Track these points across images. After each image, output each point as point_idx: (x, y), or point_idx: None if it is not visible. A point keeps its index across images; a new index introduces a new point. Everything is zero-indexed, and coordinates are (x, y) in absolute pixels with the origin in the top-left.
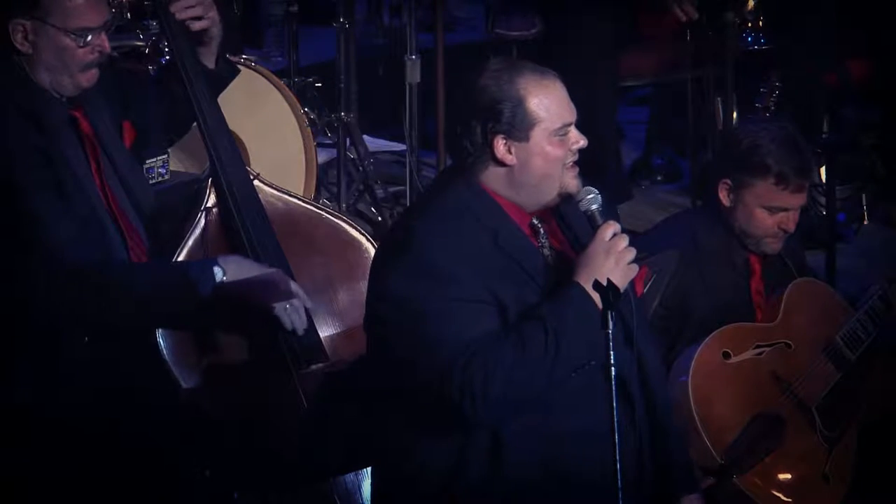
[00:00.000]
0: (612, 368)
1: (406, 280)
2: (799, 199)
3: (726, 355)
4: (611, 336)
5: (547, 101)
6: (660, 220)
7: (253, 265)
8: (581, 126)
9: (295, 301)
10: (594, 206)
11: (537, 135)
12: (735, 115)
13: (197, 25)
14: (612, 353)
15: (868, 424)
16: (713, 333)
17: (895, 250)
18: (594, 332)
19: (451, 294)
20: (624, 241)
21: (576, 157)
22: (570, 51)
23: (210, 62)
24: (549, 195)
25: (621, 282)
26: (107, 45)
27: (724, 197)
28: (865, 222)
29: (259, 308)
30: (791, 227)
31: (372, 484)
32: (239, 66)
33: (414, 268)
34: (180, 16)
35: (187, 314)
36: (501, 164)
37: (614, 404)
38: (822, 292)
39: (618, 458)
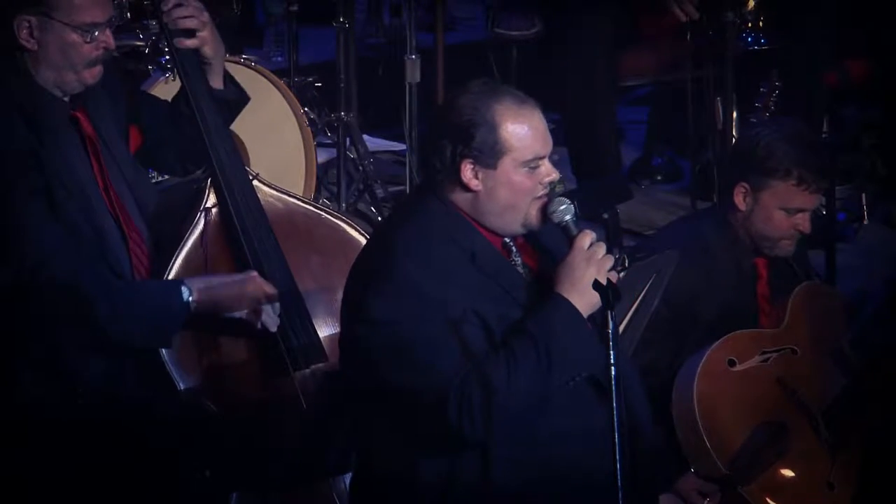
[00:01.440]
0: (612, 368)
1: (391, 303)
2: (816, 200)
3: (732, 363)
4: (611, 335)
5: (521, 131)
6: (660, 220)
7: (220, 277)
8: (581, 126)
9: (265, 305)
10: (568, 217)
11: (506, 164)
12: (735, 115)
13: (185, 43)
14: (612, 352)
15: (875, 430)
16: (719, 341)
17: (895, 250)
18: (582, 341)
19: (437, 316)
20: (602, 248)
21: (546, 191)
22: (570, 51)
23: (215, 82)
24: (512, 226)
25: None
26: (111, 41)
27: (740, 201)
28: (865, 222)
29: (230, 317)
30: (807, 228)
31: (354, 490)
32: (241, 66)
33: (398, 291)
34: (171, 25)
35: (161, 333)
36: (467, 188)
37: (614, 404)
38: (827, 296)
39: (618, 457)
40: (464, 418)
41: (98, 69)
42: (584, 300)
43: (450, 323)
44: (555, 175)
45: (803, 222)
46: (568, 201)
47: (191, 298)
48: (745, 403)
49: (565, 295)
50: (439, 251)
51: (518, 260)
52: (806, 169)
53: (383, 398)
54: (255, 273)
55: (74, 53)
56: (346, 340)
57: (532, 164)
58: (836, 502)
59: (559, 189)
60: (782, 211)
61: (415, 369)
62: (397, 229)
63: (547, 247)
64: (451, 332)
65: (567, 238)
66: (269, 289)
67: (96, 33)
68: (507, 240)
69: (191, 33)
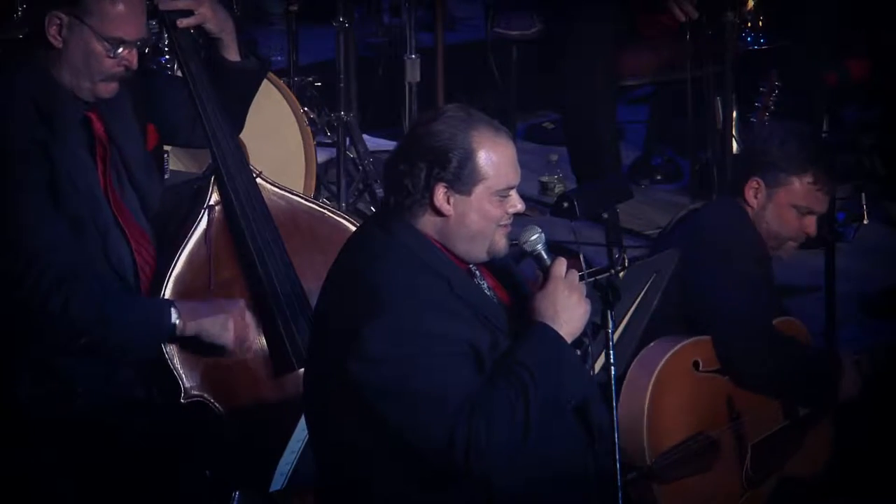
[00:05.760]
0: (612, 368)
1: (390, 340)
2: (826, 203)
3: (696, 365)
4: (610, 335)
5: (496, 160)
6: (660, 219)
7: (208, 305)
8: (581, 126)
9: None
10: (540, 246)
11: (479, 191)
12: (735, 114)
13: (185, 22)
14: (611, 352)
15: (791, 480)
16: (694, 338)
17: (895, 250)
18: (574, 369)
19: (438, 350)
20: (576, 275)
21: (511, 220)
22: (570, 51)
23: (231, 55)
24: (478, 253)
25: (585, 314)
26: (135, 61)
27: (751, 196)
28: (865, 222)
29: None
30: (813, 231)
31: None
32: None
33: (395, 327)
34: (164, 7)
35: (141, 348)
36: (438, 212)
37: (615, 403)
38: (802, 333)
39: (618, 457)
40: (471, 457)
41: (114, 86)
42: (569, 328)
43: (450, 356)
44: (520, 206)
45: (810, 225)
46: (539, 230)
47: (178, 322)
48: (692, 408)
49: (550, 325)
50: (424, 283)
51: (484, 284)
52: (820, 169)
53: (378, 436)
54: (241, 301)
55: (95, 63)
56: (332, 378)
57: (503, 194)
58: None
59: (559, 188)
60: (794, 209)
61: (417, 407)
62: (376, 263)
63: (504, 269)
64: (452, 365)
65: (540, 267)
66: (251, 321)
67: (121, 49)
68: (472, 266)
69: (189, 12)
